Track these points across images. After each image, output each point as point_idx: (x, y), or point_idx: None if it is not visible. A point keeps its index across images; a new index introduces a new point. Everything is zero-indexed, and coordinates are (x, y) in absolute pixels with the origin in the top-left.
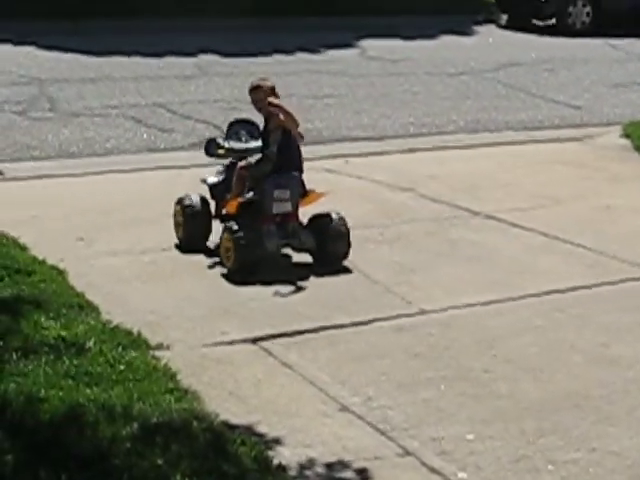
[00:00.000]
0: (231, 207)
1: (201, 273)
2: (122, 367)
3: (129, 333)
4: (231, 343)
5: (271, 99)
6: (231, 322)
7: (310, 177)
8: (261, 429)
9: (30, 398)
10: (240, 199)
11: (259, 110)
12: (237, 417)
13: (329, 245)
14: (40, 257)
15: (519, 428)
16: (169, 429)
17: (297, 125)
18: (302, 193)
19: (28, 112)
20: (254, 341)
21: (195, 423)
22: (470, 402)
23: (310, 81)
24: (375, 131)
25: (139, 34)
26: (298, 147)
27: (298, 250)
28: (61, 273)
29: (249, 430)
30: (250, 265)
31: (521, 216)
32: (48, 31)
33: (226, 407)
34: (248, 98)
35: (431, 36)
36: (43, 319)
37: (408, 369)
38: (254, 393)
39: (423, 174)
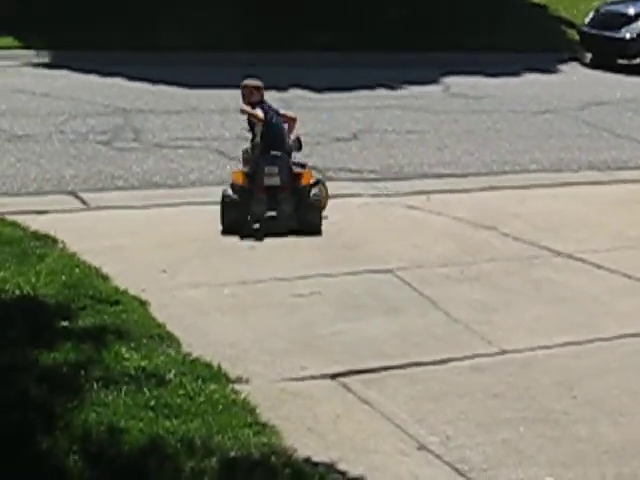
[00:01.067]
0: (237, 178)
1: (282, 306)
2: (202, 400)
3: (209, 366)
4: (310, 378)
5: (242, 106)
6: (311, 357)
7: (392, 213)
8: (340, 466)
9: (110, 428)
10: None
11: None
12: (315, 453)
13: (301, 213)
14: (122, 287)
15: (599, 472)
16: (248, 463)
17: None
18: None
19: (113, 142)
20: (333, 377)
21: (274, 458)
22: (549, 444)
23: (393, 117)
24: (457, 168)
25: (226, 66)
26: (283, 134)
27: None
28: (143, 304)
29: (327, 466)
30: (236, 224)
31: (604, 257)
32: (132, 61)
33: (304, 442)
34: (332, 133)
35: (514, 73)
36: (124, 349)
37: (487, 409)
38: (332, 429)
39: (505, 212)
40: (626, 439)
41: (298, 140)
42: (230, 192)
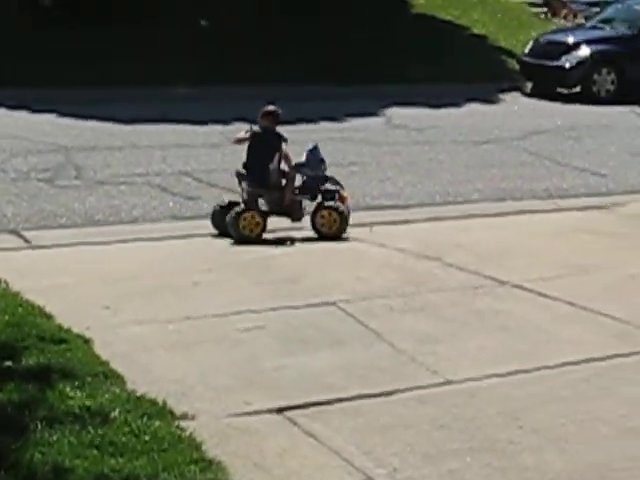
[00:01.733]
0: None
1: (226, 341)
2: (147, 437)
3: (154, 402)
4: (256, 413)
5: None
6: (256, 392)
7: (334, 245)
8: None
9: (55, 468)
10: None
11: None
12: None
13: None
14: (66, 325)
15: None
16: None
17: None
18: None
19: (55, 180)
20: (279, 411)
21: None
22: (496, 474)
23: (335, 150)
24: (400, 199)
25: (164, 102)
26: (257, 156)
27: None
28: (87, 342)
29: None
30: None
31: (547, 285)
32: (73, 100)
33: (251, 478)
34: None
35: (456, 104)
36: (68, 388)
37: (433, 440)
38: (279, 463)
39: (449, 243)
40: (572, 467)
41: None
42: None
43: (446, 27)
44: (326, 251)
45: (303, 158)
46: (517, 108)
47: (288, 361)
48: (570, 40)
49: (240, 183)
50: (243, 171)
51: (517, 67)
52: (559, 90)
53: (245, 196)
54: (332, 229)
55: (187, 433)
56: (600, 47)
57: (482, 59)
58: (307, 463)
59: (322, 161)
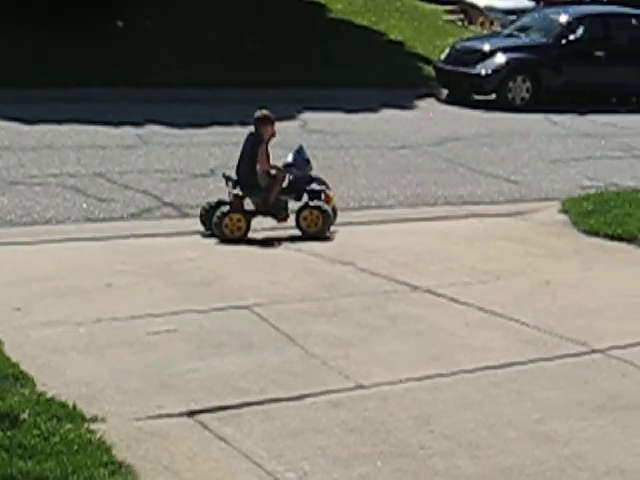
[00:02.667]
0: None
1: (138, 345)
2: (56, 439)
3: (64, 405)
4: (167, 416)
5: None
6: (167, 395)
7: (248, 249)
8: None
9: None
10: None
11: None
12: None
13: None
14: None
15: None
16: None
17: None
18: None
19: None
20: (190, 414)
21: None
22: (407, 478)
23: None
24: None
25: (80, 103)
26: (243, 159)
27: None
28: None
29: None
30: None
31: (460, 291)
32: None
33: None
34: (189, 169)
35: (372, 109)
36: None
37: (344, 444)
38: (189, 467)
39: (362, 248)
40: (482, 472)
41: None
42: None
43: (363, 33)
44: (242, 255)
45: (289, 159)
46: (433, 114)
47: (200, 364)
48: (486, 48)
49: (227, 184)
50: (228, 173)
51: (433, 74)
52: (475, 97)
53: (230, 198)
54: (315, 228)
55: (97, 436)
56: (516, 55)
57: (398, 65)
58: (218, 467)
59: (308, 161)
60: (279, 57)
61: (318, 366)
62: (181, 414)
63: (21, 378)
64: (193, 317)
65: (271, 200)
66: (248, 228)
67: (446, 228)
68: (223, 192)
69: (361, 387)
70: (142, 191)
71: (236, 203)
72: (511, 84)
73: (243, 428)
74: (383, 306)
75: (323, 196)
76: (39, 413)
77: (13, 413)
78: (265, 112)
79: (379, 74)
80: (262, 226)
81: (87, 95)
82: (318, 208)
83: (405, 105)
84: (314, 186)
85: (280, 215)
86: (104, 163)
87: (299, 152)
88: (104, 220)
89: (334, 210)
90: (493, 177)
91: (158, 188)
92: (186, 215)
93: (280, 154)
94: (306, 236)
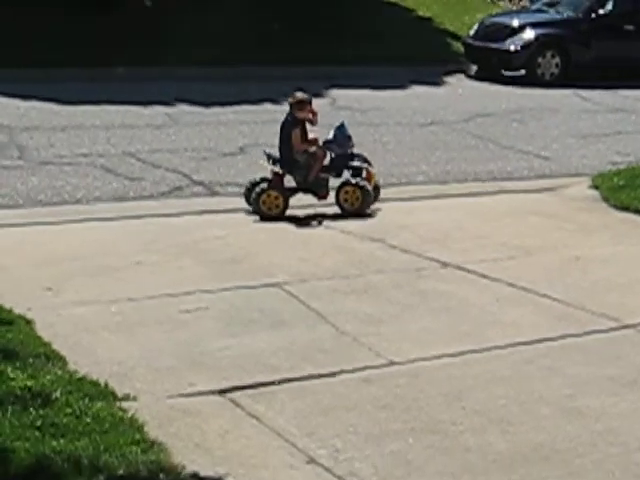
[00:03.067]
0: None
1: (169, 323)
2: (88, 419)
3: (96, 384)
4: (198, 394)
5: None
6: (198, 373)
7: (279, 226)
8: None
9: None
10: None
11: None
12: (204, 469)
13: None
14: (7, 306)
15: None
16: None
17: None
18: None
19: None
20: (221, 392)
21: (162, 475)
22: (438, 455)
23: (278, 131)
24: None
25: (109, 83)
26: (281, 139)
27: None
28: (28, 323)
29: None
30: None
31: (491, 267)
32: (17, 79)
33: (193, 459)
34: (218, 148)
35: (401, 86)
36: (9, 369)
37: (376, 421)
38: (221, 445)
39: (392, 225)
40: (514, 448)
41: None
42: None
43: (391, 9)
44: (272, 232)
45: (330, 135)
46: (461, 91)
47: (231, 342)
48: (515, 23)
49: (268, 162)
50: (269, 151)
51: (462, 50)
52: (504, 73)
53: (270, 175)
54: (355, 205)
55: (129, 414)
56: (545, 30)
57: (427, 41)
58: (249, 444)
59: (349, 138)
60: (306, 34)
61: (349, 343)
62: (212, 392)
63: (53, 357)
64: (223, 295)
65: (311, 177)
66: (286, 206)
67: (476, 204)
68: (253, 170)
69: (392, 364)
70: (172, 170)
71: (275, 180)
72: (540, 59)
73: (274, 405)
74: (413, 283)
75: (364, 173)
76: (71, 392)
77: (45, 392)
78: (299, 95)
79: (407, 50)
80: (302, 203)
81: (116, 75)
82: (358, 185)
83: (434, 81)
84: (355, 163)
85: (320, 192)
86: (134, 142)
87: (340, 129)
88: (134, 199)
89: (376, 188)
90: (523, 153)
91: (188, 167)
92: (216, 193)
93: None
94: (346, 214)
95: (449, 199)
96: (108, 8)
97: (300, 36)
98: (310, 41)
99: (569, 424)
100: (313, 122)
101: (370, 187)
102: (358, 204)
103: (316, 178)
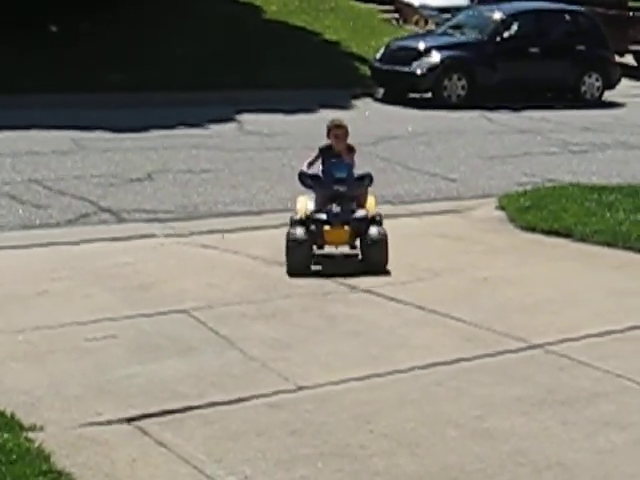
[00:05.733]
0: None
1: (76, 351)
2: None
3: (2, 414)
4: (106, 423)
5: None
6: (106, 402)
7: (187, 253)
8: None
9: None
10: None
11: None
12: None
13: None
14: None
15: None
16: None
17: None
18: None
19: None
20: (129, 420)
21: None
22: (347, 479)
23: (188, 156)
24: (253, 206)
25: (13, 109)
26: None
27: None
28: None
29: None
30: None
31: (399, 290)
32: None
33: None
34: (125, 174)
35: (309, 110)
36: None
37: (285, 446)
38: (129, 473)
39: None
40: (423, 470)
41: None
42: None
43: (298, 33)
44: (180, 258)
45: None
46: (369, 114)
47: (139, 369)
48: (421, 46)
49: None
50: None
51: (369, 73)
52: (411, 96)
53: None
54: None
55: (36, 445)
56: (451, 53)
57: (335, 65)
58: (158, 472)
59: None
60: (215, 60)
61: (257, 368)
62: (120, 420)
63: None
64: (131, 322)
65: None
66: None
67: (385, 227)
68: (159, 197)
69: (301, 388)
70: (78, 197)
71: None
72: (446, 82)
73: (183, 433)
74: (322, 307)
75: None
76: None
77: None
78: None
79: (315, 74)
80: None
81: (21, 101)
82: None
83: (342, 105)
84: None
85: None
86: (39, 169)
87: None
88: (41, 227)
89: None
90: (430, 175)
91: (94, 193)
92: (123, 220)
93: (217, 157)
94: None
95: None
96: (13, 34)
97: (208, 61)
98: (218, 66)
99: (478, 445)
100: (334, 148)
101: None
102: None
103: None
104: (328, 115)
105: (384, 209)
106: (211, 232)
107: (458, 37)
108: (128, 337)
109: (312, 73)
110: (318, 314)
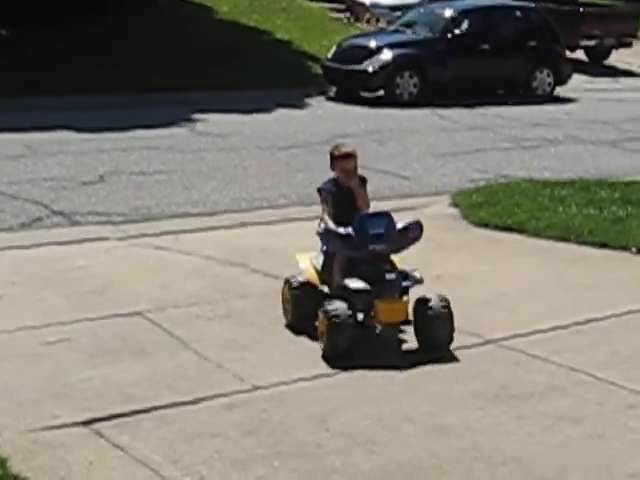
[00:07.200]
0: None
1: (30, 356)
2: None
3: None
4: (62, 427)
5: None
6: (61, 405)
7: (140, 255)
8: None
9: None
10: None
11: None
12: None
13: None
14: None
15: None
16: None
17: None
18: None
19: None
20: (85, 424)
21: None
22: (304, 478)
23: (140, 158)
24: (206, 207)
25: None
26: None
27: None
28: None
29: None
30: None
31: None
32: None
33: None
34: (77, 177)
35: (261, 110)
36: None
37: (241, 446)
38: (86, 477)
39: (255, 249)
40: (379, 468)
41: None
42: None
43: (250, 33)
44: (133, 261)
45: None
46: (322, 112)
47: (94, 373)
48: (372, 44)
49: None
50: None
51: (321, 72)
52: (363, 94)
53: None
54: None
55: None
56: (402, 51)
57: (287, 64)
58: (114, 475)
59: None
60: (168, 61)
61: (212, 370)
62: (76, 424)
63: None
64: (85, 325)
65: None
66: None
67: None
68: (112, 199)
69: (256, 388)
70: (31, 201)
71: None
72: (398, 80)
73: (139, 435)
74: (276, 307)
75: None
76: None
77: None
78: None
79: (268, 74)
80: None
81: None
82: None
83: (294, 104)
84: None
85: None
86: None
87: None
88: None
89: None
90: (383, 173)
91: (47, 197)
92: (76, 223)
93: (169, 158)
94: None
95: (311, 221)
96: None
97: (161, 63)
98: (171, 68)
99: (434, 442)
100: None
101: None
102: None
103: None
104: (282, 114)
105: None
106: (164, 233)
107: (409, 35)
108: (83, 341)
109: (265, 73)
110: (273, 314)
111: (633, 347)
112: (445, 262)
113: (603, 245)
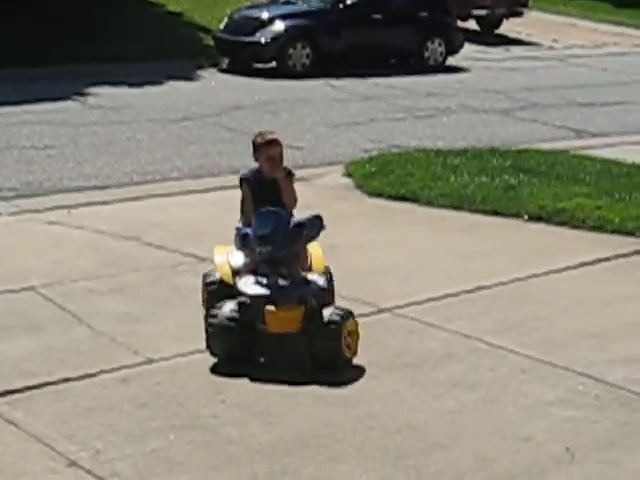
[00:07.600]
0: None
1: None
2: None
3: None
4: None
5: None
6: None
7: (32, 230)
8: None
9: None
10: None
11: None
12: None
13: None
14: None
15: (251, 472)
16: None
17: None
18: None
19: None
20: None
21: None
22: (200, 450)
23: (31, 132)
24: (98, 180)
25: None
26: None
27: None
28: None
29: None
30: None
31: None
32: None
33: None
34: None
35: (153, 82)
36: None
37: (136, 420)
38: None
39: (147, 222)
40: (276, 438)
41: None
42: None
43: (140, 5)
44: (24, 235)
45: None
46: (214, 84)
47: None
48: (264, 15)
49: None
50: None
51: (213, 44)
52: (255, 65)
53: None
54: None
55: None
56: (294, 22)
57: (179, 36)
58: (8, 451)
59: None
60: (55, 32)
61: (106, 344)
62: None
63: None
64: None
65: None
66: None
67: (231, 198)
68: (3, 174)
69: (150, 361)
70: None
71: None
72: (291, 51)
73: (33, 411)
74: (170, 279)
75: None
76: None
77: None
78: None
79: (160, 46)
80: None
81: None
82: None
83: (187, 76)
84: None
85: None
86: None
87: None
88: None
89: None
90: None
91: None
92: None
93: (61, 133)
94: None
95: (205, 194)
96: None
97: (48, 34)
98: (59, 39)
99: (329, 411)
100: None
101: None
102: None
103: None
104: (174, 87)
105: (230, 180)
106: (57, 208)
107: (301, 6)
108: None
109: (156, 45)
110: (167, 287)
111: (521, 314)
112: (339, 232)
113: (495, 213)
